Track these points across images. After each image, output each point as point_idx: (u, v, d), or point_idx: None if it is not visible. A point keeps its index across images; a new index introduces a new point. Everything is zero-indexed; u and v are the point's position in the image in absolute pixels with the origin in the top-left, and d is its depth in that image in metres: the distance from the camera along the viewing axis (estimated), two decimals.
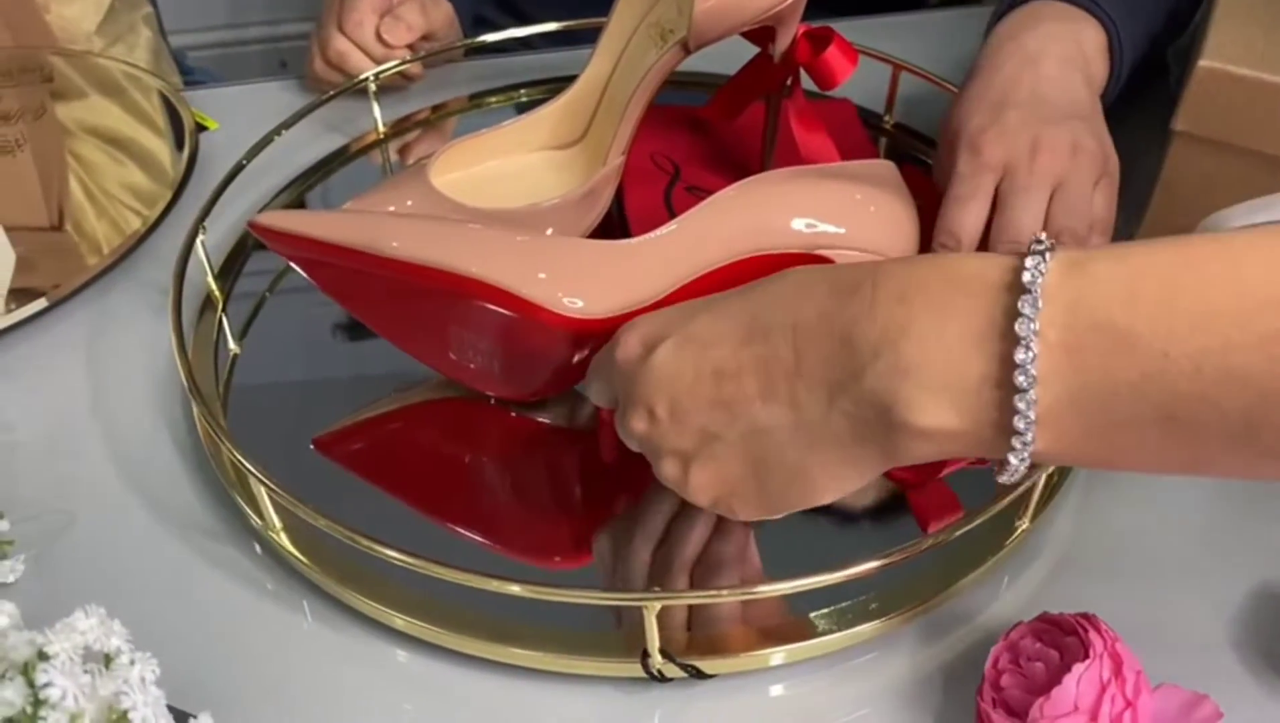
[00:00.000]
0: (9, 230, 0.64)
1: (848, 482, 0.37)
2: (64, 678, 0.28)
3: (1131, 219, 0.60)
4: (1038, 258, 0.33)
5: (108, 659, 0.31)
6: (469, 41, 0.75)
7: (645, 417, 0.39)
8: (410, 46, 0.72)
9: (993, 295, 0.33)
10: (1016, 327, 0.32)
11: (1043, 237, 0.34)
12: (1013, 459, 0.33)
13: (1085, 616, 0.40)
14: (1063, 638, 0.39)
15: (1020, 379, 0.32)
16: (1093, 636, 0.38)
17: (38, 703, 0.28)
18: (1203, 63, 0.53)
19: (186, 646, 0.44)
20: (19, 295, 0.60)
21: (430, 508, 0.49)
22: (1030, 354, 0.32)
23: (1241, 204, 0.50)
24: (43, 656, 0.29)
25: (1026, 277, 0.32)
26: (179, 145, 0.68)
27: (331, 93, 0.67)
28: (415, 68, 0.72)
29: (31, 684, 0.28)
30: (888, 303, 0.34)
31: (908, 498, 0.48)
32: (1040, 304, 0.32)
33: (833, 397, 0.35)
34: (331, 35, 0.71)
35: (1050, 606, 0.41)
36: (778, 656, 0.43)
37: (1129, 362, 0.31)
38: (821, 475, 0.37)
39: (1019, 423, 0.32)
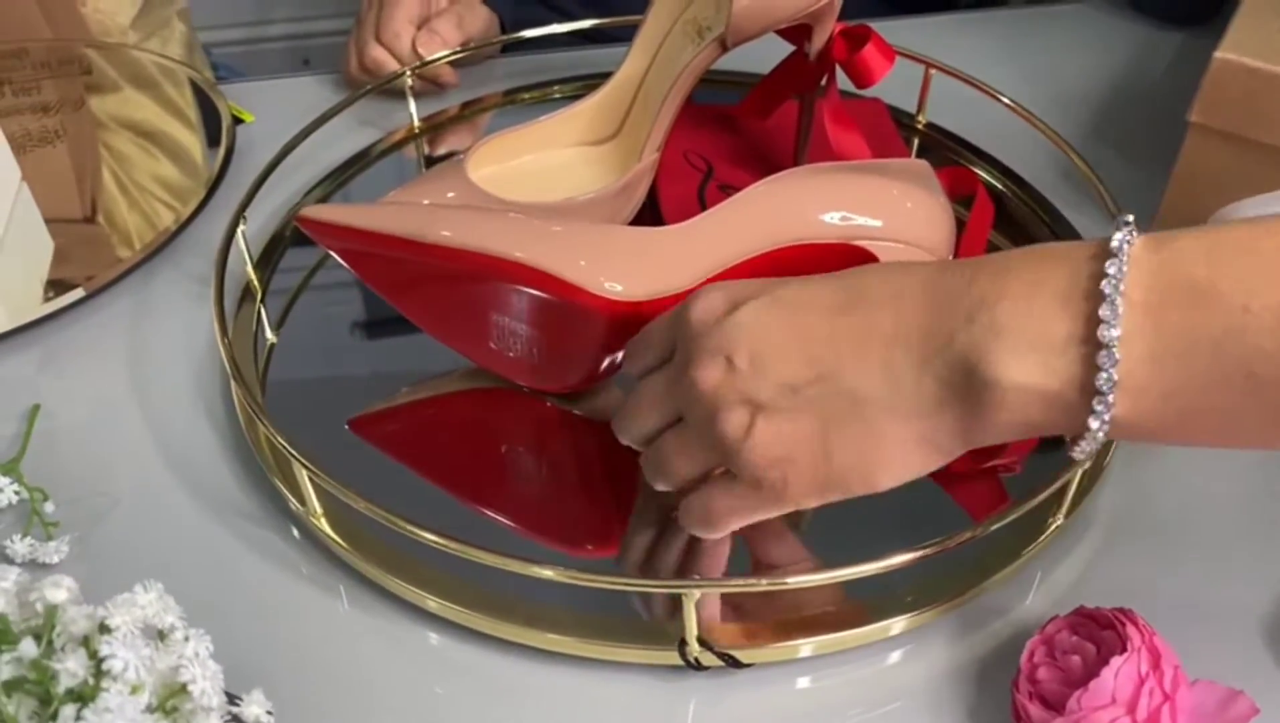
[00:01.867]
0: (74, 221, 0.65)
1: (915, 461, 0.38)
2: (126, 650, 0.29)
3: (1146, 209, 0.60)
4: (1125, 230, 0.35)
5: (161, 635, 0.32)
6: (507, 38, 0.75)
7: (722, 365, 0.39)
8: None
9: (1081, 263, 0.35)
10: (1102, 285, 0.34)
11: (1129, 217, 0.35)
12: (1093, 423, 0.34)
13: (1122, 610, 0.40)
14: (1099, 632, 0.40)
15: (1103, 333, 0.33)
16: (1130, 629, 0.38)
17: (100, 674, 0.28)
18: (1219, 54, 0.53)
19: (224, 627, 0.44)
20: (53, 286, 0.60)
21: (462, 492, 0.50)
22: (1114, 311, 0.33)
23: (1255, 197, 0.51)
24: (104, 628, 0.30)
25: (1114, 243, 0.34)
26: (211, 139, 0.69)
27: (368, 86, 0.67)
28: (450, 75, 0.73)
29: (93, 656, 0.29)
30: (986, 275, 0.36)
31: (953, 492, 0.48)
32: (1125, 267, 0.34)
33: (926, 360, 0.36)
34: (368, 43, 0.72)
35: (1085, 600, 0.42)
36: (811, 647, 0.43)
37: (1209, 317, 0.33)
38: (894, 449, 0.38)
39: (1101, 382, 0.34)
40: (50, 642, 0.30)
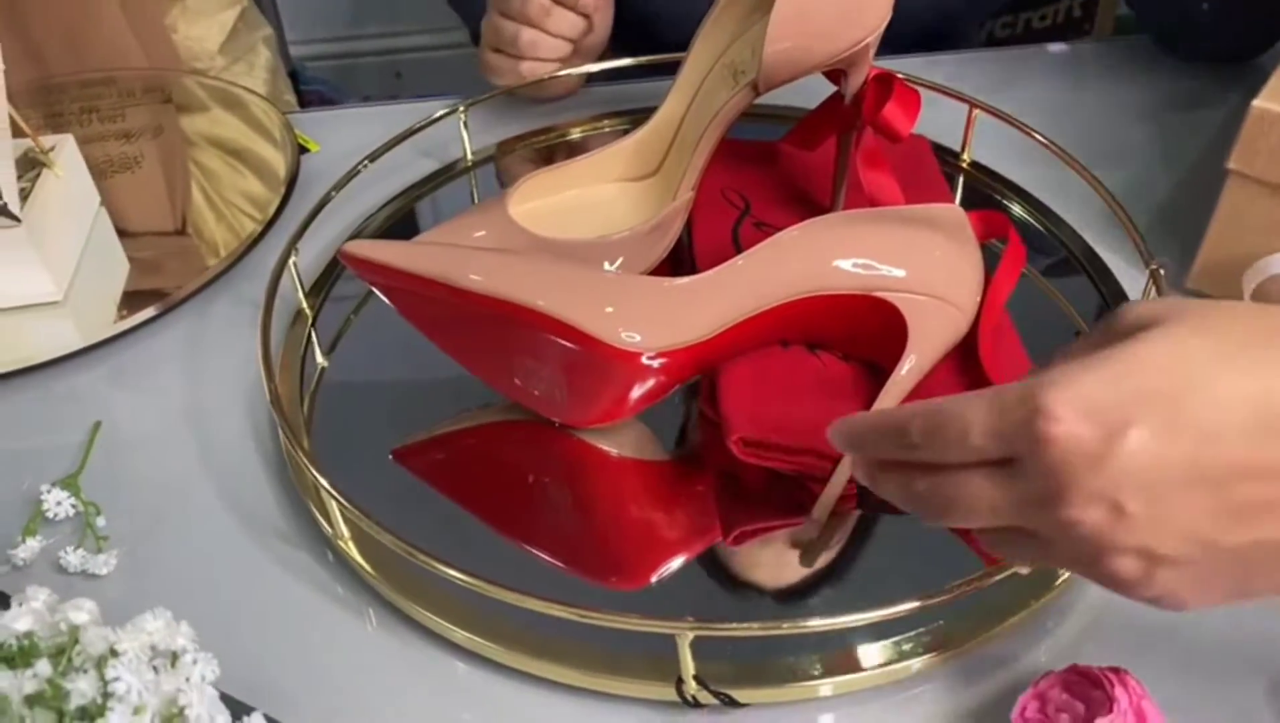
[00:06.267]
0: (136, 236, 0.69)
1: None
2: (130, 674, 0.31)
3: (1186, 254, 0.59)
4: None
5: (174, 657, 0.34)
6: (610, 64, 0.76)
7: (1106, 510, 0.32)
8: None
9: None
10: None
11: None
12: None
13: (1115, 669, 0.40)
14: (1090, 691, 0.40)
15: None
16: (1119, 690, 0.39)
17: (107, 696, 0.31)
18: (1257, 103, 0.53)
19: (257, 644, 0.47)
20: (146, 296, 0.64)
21: (496, 522, 0.52)
22: None
23: None
24: (114, 652, 0.32)
25: None
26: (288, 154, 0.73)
27: (421, 123, 0.70)
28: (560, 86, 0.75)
29: (103, 678, 0.31)
30: None
31: (967, 537, 0.49)
32: None
33: None
34: (518, 28, 0.72)
35: (1085, 657, 0.42)
36: (816, 688, 0.44)
37: None
38: None
39: None
40: (70, 660, 0.32)
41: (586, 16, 0.72)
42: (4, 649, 0.33)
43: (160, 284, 0.65)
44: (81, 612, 0.33)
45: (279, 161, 0.73)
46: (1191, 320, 0.33)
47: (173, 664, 0.34)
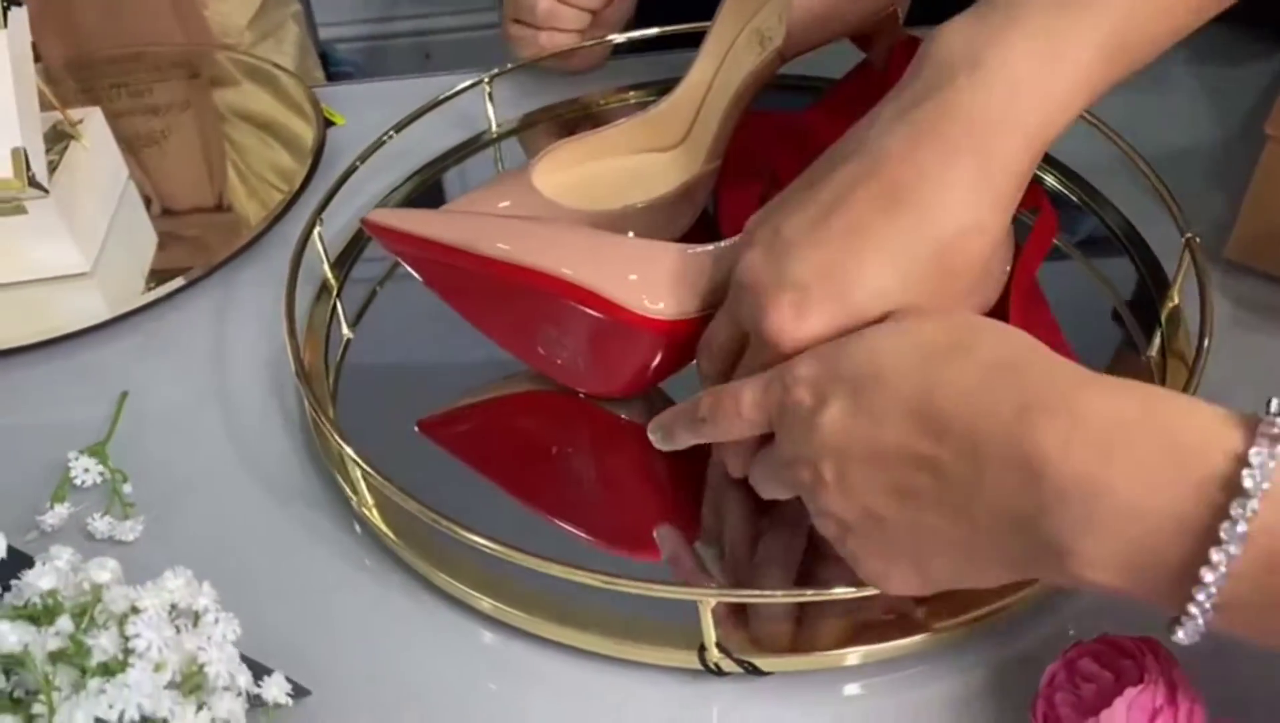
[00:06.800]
0: (178, 214, 0.70)
1: (1006, 579, 0.38)
2: (150, 631, 0.31)
3: (1221, 223, 0.58)
4: (1265, 452, 0.30)
5: (196, 617, 0.35)
6: (627, 36, 0.75)
7: (810, 472, 0.38)
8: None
9: (1207, 488, 0.31)
10: (1221, 531, 0.30)
11: (1275, 421, 0.31)
12: (1180, 634, 0.33)
13: (1145, 639, 0.39)
14: (1119, 661, 0.39)
15: (1208, 577, 0.31)
16: (1150, 660, 0.38)
17: (128, 652, 0.31)
18: None
19: (280, 610, 0.48)
20: (175, 270, 0.64)
21: (521, 492, 0.51)
22: (1227, 555, 0.31)
23: None
24: (134, 610, 0.32)
25: (1248, 482, 0.30)
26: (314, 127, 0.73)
27: (446, 94, 0.70)
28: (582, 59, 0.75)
29: (124, 635, 0.31)
30: (1086, 449, 0.32)
31: None
32: (1256, 507, 0.30)
33: (1012, 528, 0.34)
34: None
35: (1114, 627, 0.41)
36: (840, 657, 0.44)
37: None
38: (985, 579, 0.38)
39: (1193, 609, 0.32)
40: (93, 618, 0.33)
41: None
42: (28, 607, 0.33)
43: (189, 257, 0.66)
44: (104, 571, 0.34)
45: (305, 133, 0.73)
46: (907, 322, 0.39)
47: (195, 624, 0.34)
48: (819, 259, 0.40)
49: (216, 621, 0.34)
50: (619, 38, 0.74)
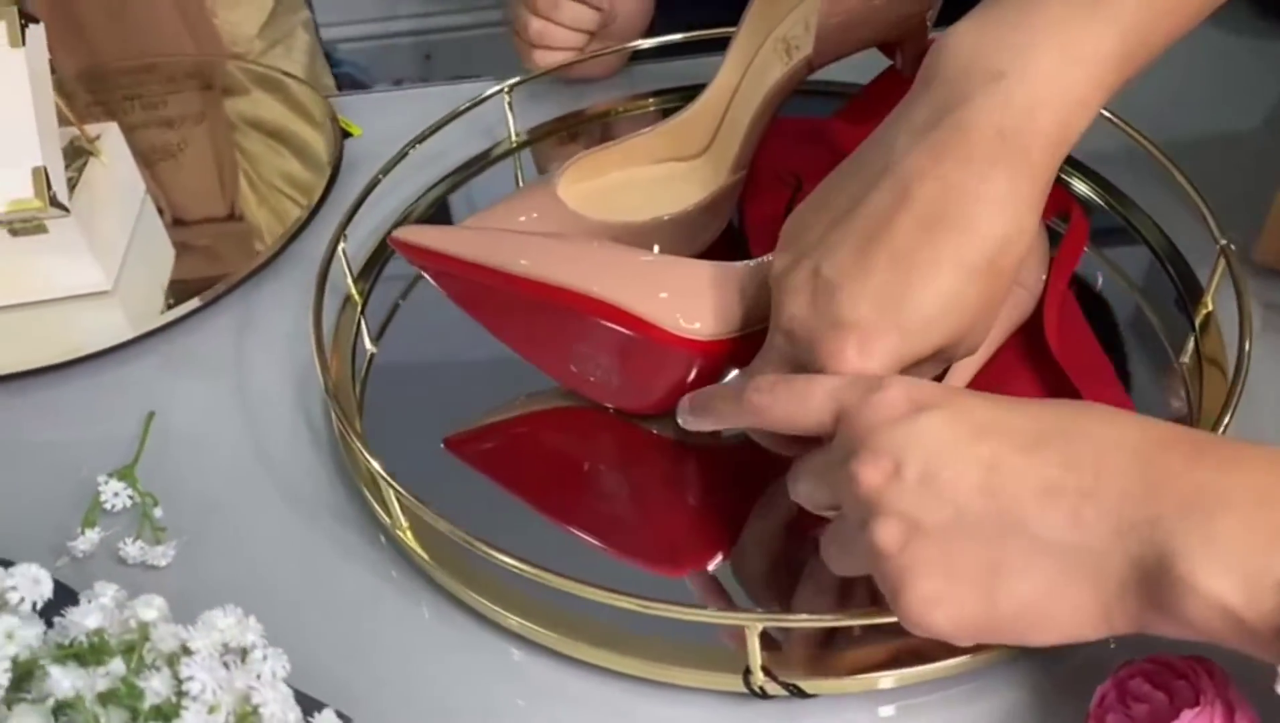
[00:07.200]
0: (190, 224, 0.69)
1: (1083, 629, 0.36)
2: (204, 673, 0.31)
3: (1253, 222, 0.58)
4: None
5: (244, 653, 0.34)
6: (636, 44, 0.75)
7: (888, 469, 0.36)
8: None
9: None
10: None
11: None
12: None
13: (1199, 659, 0.39)
14: (1173, 681, 0.39)
15: None
16: (1205, 681, 0.37)
17: (181, 695, 0.31)
18: None
19: (314, 633, 0.47)
20: (193, 283, 0.64)
21: (551, 510, 0.51)
22: None
23: None
24: (186, 650, 0.32)
25: None
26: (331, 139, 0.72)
27: (468, 104, 0.69)
28: (595, 68, 0.74)
29: (176, 677, 0.31)
30: (1209, 470, 0.34)
31: None
32: None
33: (1121, 531, 0.34)
34: (529, 17, 0.72)
35: (1162, 646, 0.41)
36: (884, 679, 0.43)
37: None
38: (1066, 612, 0.35)
39: None
40: (141, 657, 0.32)
41: (600, 10, 0.72)
42: (74, 646, 0.33)
43: (206, 270, 0.65)
44: (150, 608, 0.33)
45: (319, 143, 0.73)
46: None
47: (243, 660, 0.34)
48: (870, 294, 0.40)
49: (265, 657, 0.33)
50: (636, 45, 0.73)
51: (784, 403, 0.41)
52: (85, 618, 0.33)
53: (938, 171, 0.40)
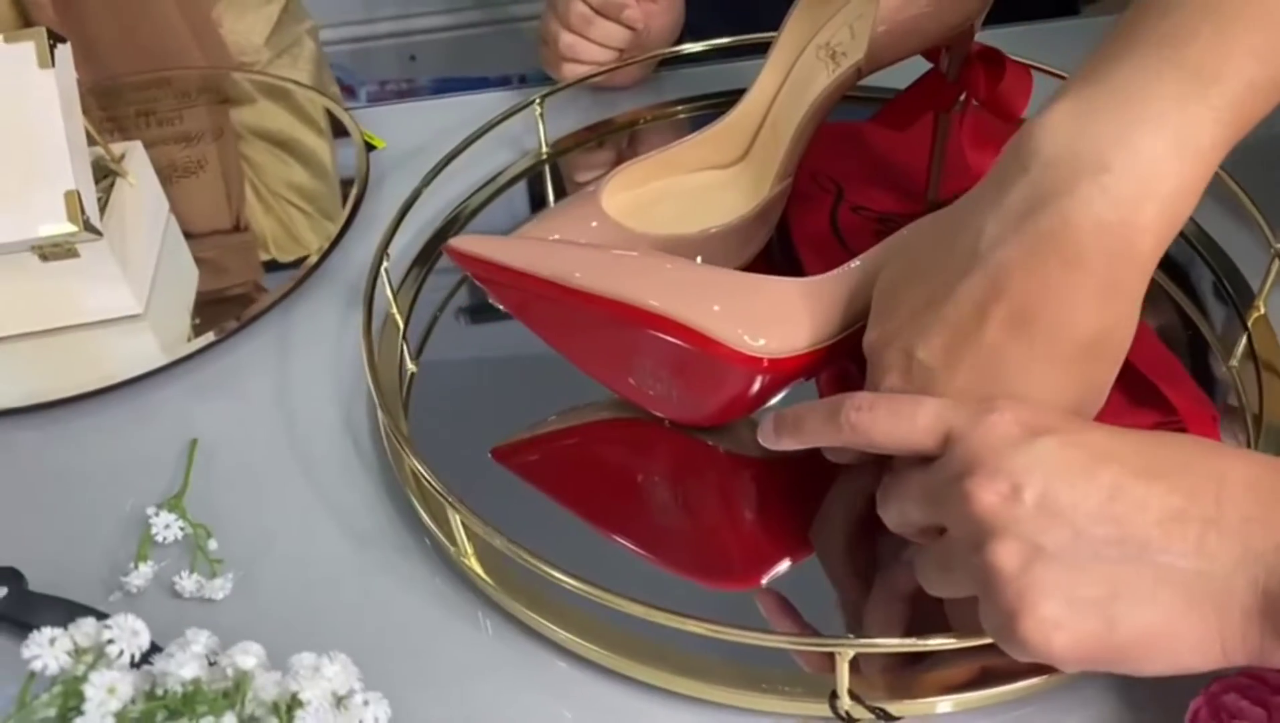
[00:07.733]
0: (197, 237, 0.68)
1: (1199, 658, 0.35)
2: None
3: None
4: None
5: (339, 700, 0.33)
6: (662, 52, 0.74)
7: (1005, 491, 0.36)
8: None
9: None
10: None
11: None
12: None
13: None
14: (1270, 697, 0.38)
15: None
16: None
17: None
18: None
19: (374, 656, 0.46)
20: (217, 300, 0.63)
21: (602, 523, 0.50)
22: None
23: None
24: (297, 702, 0.31)
25: None
26: (335, 142, 0.72)
27: (500, 115, 0.68)
28: (624, 76, 0.74)
29: None
30: None
31: None
32: None
33: (1246, 559, 0.34)
34: (560, 30, 0.72)
35: None
36: (970, 699, 0.43)
37: None
38: (1186, 640, 0.35)
39: None
40: (244, 708, 0.31)
41: (634, 30, 0.71)
42: (169, 698, 0.32)
43: (225, 283, 0.64)
44: (249, 656, 0.32)
45: (323, 150, 0.72)
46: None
47: (339, 705, 0.33)
48: (961, 386, 0.40)
49: (365, 702, 0.32)
50: (661, 54, 0.73)
51: (885, 422, 0.40)
52: (181, 669, 0.32)
53: (1028, 264, 0.38)
